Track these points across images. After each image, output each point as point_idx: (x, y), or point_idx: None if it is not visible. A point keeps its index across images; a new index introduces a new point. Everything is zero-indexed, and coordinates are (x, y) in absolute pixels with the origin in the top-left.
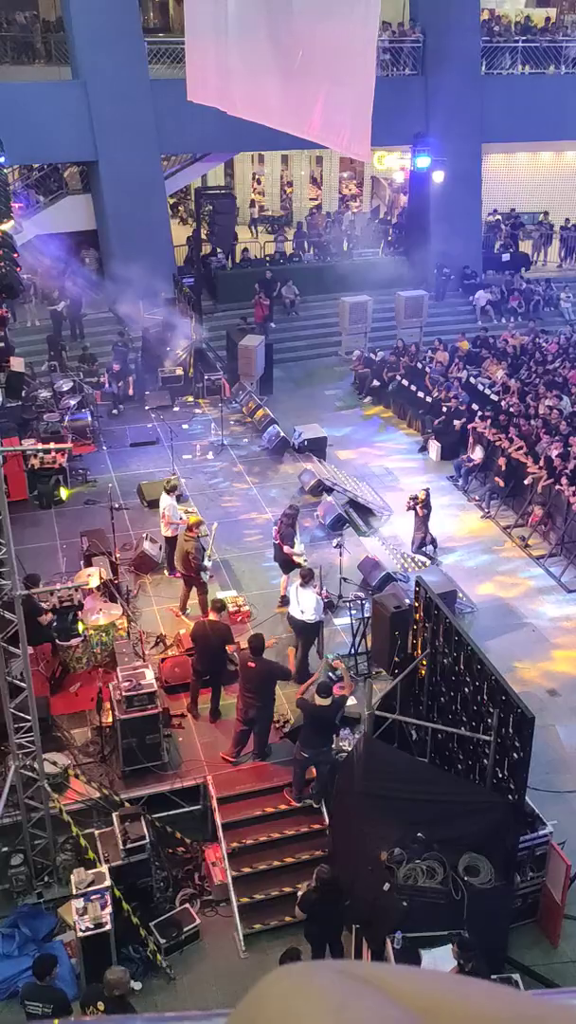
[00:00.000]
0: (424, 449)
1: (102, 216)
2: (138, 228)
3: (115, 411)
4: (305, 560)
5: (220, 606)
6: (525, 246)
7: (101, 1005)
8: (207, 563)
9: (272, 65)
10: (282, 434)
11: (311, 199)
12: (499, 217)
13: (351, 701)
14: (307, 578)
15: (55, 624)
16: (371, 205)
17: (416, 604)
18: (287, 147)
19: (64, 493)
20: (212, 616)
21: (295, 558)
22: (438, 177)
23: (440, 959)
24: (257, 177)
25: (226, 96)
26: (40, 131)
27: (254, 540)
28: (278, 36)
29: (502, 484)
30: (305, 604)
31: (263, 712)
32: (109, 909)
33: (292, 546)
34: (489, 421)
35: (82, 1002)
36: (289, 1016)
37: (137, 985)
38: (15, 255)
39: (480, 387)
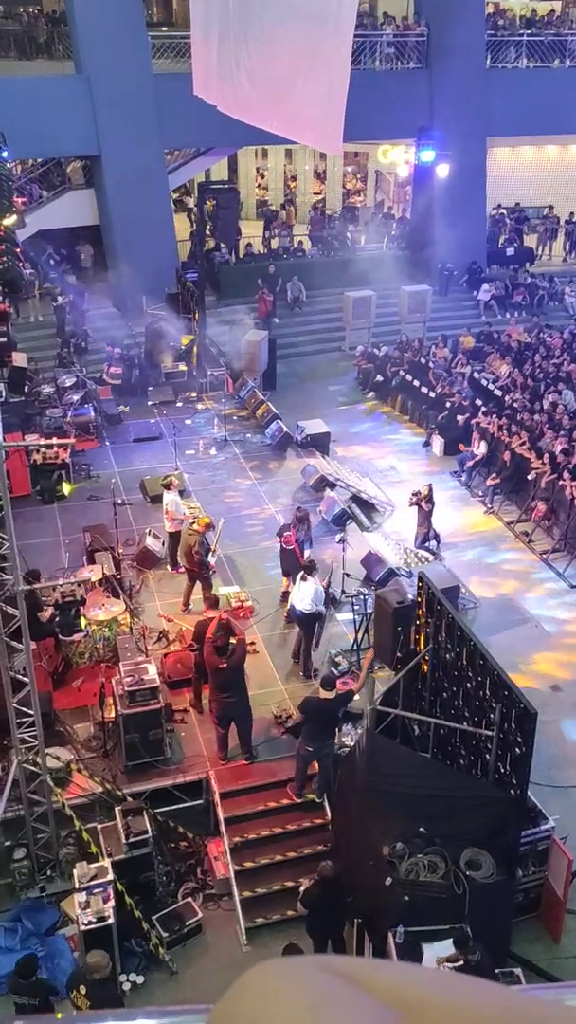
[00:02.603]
0: (427, 444)
1: (105, 211)
2: (141, 223)
3: (123, 407)
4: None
5: (215, 602)
6: (530, 240)
7: (83, 988)
8: (211, 559)
9: (246, 60)
10: (285, 429)
11: (315, 194)
12: (503, 211)
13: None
14: (310, 570)
15: (58, 619)
16: (375, 199)
17: (419, 599)
18: (290, 142)
19: (67, 488)
20: (210, 612)
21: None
22: (443, 171)
23: (442, 953)
24: (261, 171)
25: (217, 92)
26: (43, 125)
27: (257, 536)
28: (252, 31)
29: (498, 480)
30: (304, 594)
31: (241, 707)
32: (111, 903)
33: (310, 548)
34: (494, 416)
35: (67, 985)
36: (266, 1012)
37: (139, 979)
38: (17, 250)
39: (484, 382)
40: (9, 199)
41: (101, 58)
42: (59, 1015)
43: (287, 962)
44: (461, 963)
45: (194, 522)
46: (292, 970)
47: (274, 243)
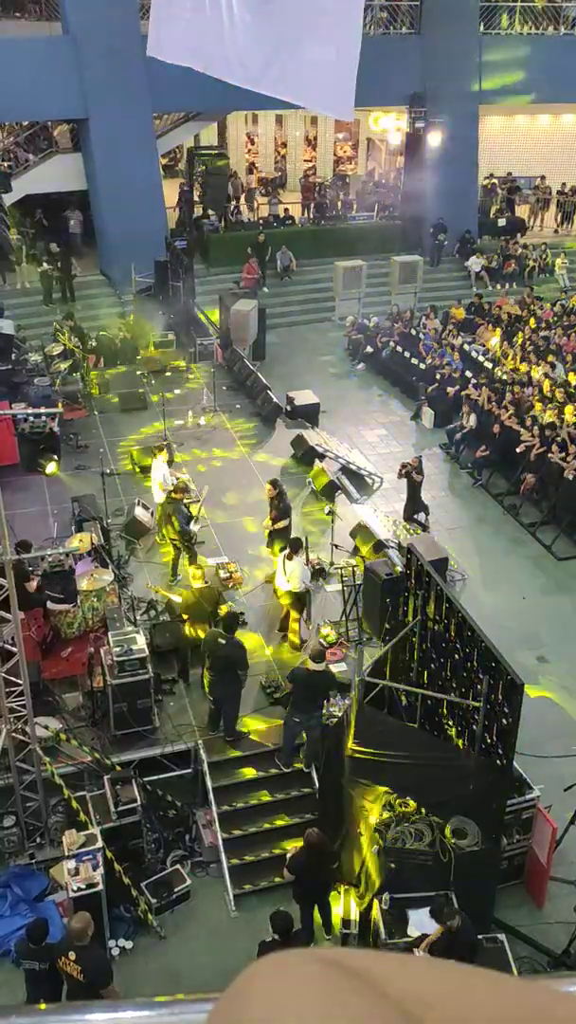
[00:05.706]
0: (417, 416)
1: (92, 176)
2: (129, 188)
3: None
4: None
5: (202, 572)
6: (522, 211)
7: (72, 955)
8: (194, 527)
9: (243, 18)
10: (274, 400)
11: (305, 160)
12: (495, 181)
13: (342, 667)
14: (295, 548)
15: (57, 588)
16: (366, 167)
17: (408, 571)
18: (281, 107)
19: (52, 468)
20: (198, 582)
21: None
22: (434, 139)
23: (427, 919)
24: (251, 137)
25: (205, 53)
26: (29, 88)
27: (244, 506)
28: None
29: (488, 452)
30: (291, 574)
31: (229, 692)
32: (101, 870)
33: (288, 518)
34: (484, 388)
35: (55, 954)
36: (273, 1013)
37: (128, 944)
38: (4, 215)
39: (474, 354)
40: None
41: (88, 18)
42: (42, 1006)
43: (294, 957)
44: (442, 932)
45: (172, 490)
46: (300, 967)
47: (263, 211)
